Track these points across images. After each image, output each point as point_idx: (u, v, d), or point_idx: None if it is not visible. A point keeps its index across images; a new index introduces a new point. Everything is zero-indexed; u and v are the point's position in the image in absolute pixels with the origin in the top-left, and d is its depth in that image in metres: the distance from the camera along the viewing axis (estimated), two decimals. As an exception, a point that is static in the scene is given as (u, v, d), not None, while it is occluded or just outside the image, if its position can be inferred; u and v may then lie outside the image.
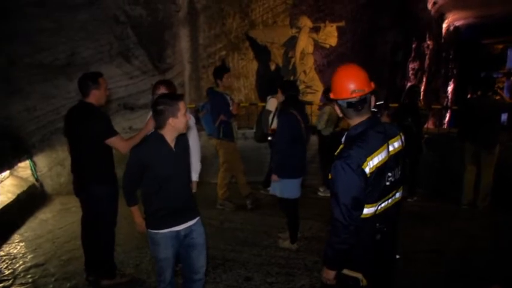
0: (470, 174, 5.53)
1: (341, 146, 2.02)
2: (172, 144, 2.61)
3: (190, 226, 2.73)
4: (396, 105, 6.08)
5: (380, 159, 1.92)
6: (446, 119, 12.86)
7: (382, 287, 2.16)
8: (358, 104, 1.99)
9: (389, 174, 1.98)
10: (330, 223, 1.98)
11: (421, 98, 8.00)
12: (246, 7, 8.90)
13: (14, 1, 5.72)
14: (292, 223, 4.31)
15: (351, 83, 1.99)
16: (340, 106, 2.06)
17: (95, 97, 3.40)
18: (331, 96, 2.10)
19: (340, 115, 2.11)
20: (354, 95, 1.98)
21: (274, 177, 4.12)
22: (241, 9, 8.85)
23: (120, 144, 3.34)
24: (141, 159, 2.57)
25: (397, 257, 2.20)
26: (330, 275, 2.07)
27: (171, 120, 2.52)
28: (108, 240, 3.61)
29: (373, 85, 2.03)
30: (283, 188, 4.13)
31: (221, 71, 5.33)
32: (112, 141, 3.33)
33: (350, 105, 2.00)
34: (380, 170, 1.93)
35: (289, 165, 4.07)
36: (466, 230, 4.82)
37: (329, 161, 1.93)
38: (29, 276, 3.83)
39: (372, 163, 1.89)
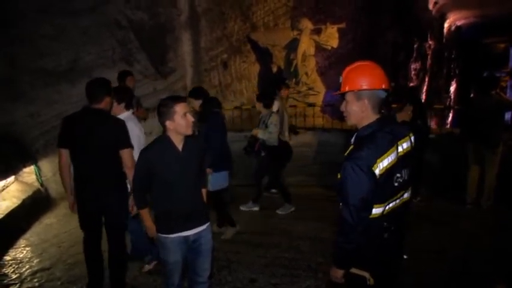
0: (474, 174, 5.52)
1: (351, 147, 2.01)
2: (179, 147, 2.59)
3: (199, 232, 2.71)
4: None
5: (390, 161, 1.92)
6: (449, 119, 12.83)
7: (388, 286, 2.17)
8: (389, 96, 1.95)
9: (398, 175, 1.97)
10: (338, 223, 1.98)
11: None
12: (247, 10, 8.94)
13: (16, 7, 5.78)
14: (225, 211, 4.74)
15: (385, 74, 1.95)
16: (369, 99, 1.95)
17: (107, 104, 3.28)
18: (364, 87, 1.95)
19: (362, 113, 1.99)
20: (389, 87, 1.95)
21: (210, 170, 4.15)
22: (242, 12, 8.88)
23: (130, 158, 3.19)
24: (147, 162, 2.57)
25: (405, 257, 2.21)
26: (338, 273, 2.08)
27: (168, 123, 2.52)
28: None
29: None
30: (221, 179, 4.47)
31: (122, 74, 5.11)
32: (126, 152, 3.20)
33: (387, 97, 1.94)
34: (389, 171, 1.92)
35: (226, 156, 4.52)
36: (470, 230, 4.80)
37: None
38: (35, 280, 3.86)
39: (382, 165, 1.89)
